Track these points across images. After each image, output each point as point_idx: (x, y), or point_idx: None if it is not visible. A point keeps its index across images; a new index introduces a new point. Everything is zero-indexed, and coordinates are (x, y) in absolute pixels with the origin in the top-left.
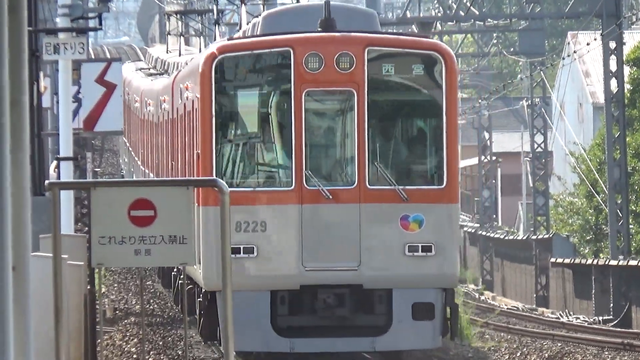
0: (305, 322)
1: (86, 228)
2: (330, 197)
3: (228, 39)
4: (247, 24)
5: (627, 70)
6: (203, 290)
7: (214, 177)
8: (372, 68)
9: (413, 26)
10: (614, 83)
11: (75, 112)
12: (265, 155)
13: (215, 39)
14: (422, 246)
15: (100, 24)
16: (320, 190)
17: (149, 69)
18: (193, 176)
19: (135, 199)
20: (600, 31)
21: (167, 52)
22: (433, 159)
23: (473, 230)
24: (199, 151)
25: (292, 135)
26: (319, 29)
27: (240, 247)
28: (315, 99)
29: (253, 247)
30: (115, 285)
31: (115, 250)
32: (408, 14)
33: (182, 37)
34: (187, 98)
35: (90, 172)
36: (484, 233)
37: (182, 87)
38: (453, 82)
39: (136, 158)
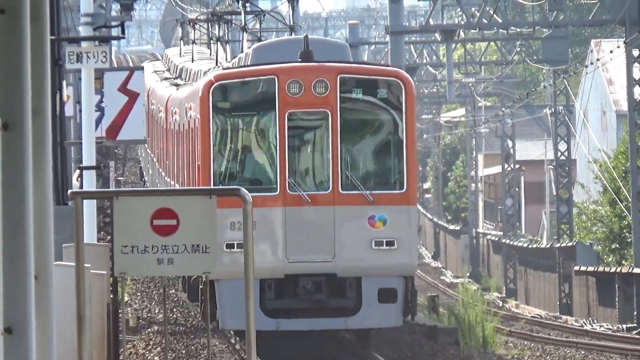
0: (288, 305)
1: (109, 237)
2: (309, 200)
3: (224, 68)
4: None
5: None
6: (203, 278)
7: (212, 184)
8: (343, 92)
9: (436, 34)
10: (637, 91)
11: (98, 121)
12: (255, 166)
13: (242, 48)
14: (386, 241)
15: (123, 32)
16: (301, 195)
17: (164, 71)
18: (196, 184)
19: (157, 208)
20: (624, 39)
21: (180, 56)
22: (395, 168)
23: (496, 239)
24: (200, 163)
25: (277, 149)
26: (299, 60)
27: (234, 243)
28: (296, 118)
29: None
30: (138, 294)
31: (138, 259)
32: (431, 22)
33: (194, 44)
34: (190, 116)
35: (113, 180)
36: (507, 241)
37: (187, 106)
38: (411, 103)
39: (156, 164)
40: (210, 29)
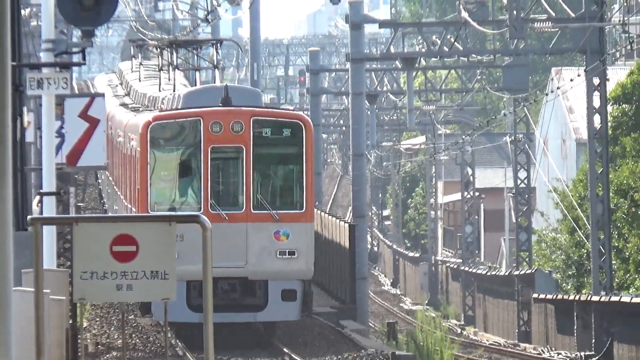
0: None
1: (68, 263)
2: (227, 218)
3: (160, 110)
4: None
5: (610, 107)
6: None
7: (149, 205)
8: (255, 131)
9: (397, 61)
10: (597, 119)
11: (59, 147)
12: (183, 190)
13: (195, 80)
14: (288, 251)
15: (84, 58)
16: (220, 213)
17: (117, 85)
18: (136, 204)
19: (117, 235)
20: (584, 67)
21: (132, 71)
22: (296, 192)
23: (455, 266)
24: (139, 187)
25: (202, 176)
26: (220, 104)
27: None
28: (217, 152)
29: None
30: (97, 319)
31: (97, 285)
32: (392, 49)
33: (141, 65)
34: (132, 146)
35: (73, 206)
36: (466, 269)
37: (130, 136)
38: (310, 140)
39: (114, 189)
40: (160, 55)
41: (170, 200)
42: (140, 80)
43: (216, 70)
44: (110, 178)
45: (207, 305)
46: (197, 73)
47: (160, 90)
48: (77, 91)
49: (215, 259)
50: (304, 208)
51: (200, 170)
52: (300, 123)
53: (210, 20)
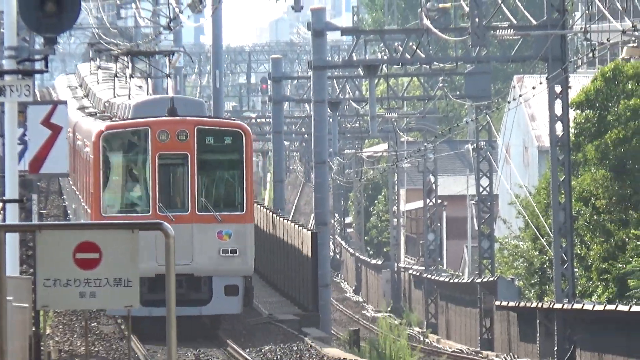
0: (158, 297)
1: (31, 270)
2: (174, 219)
3: (111, 120)
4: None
5: (572, 114)
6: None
7: (102, 208)
8: (199, 139)
9: (359, 69)
10: (559, 127)
11: (21, 155)
12: (134, 194)
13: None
14: (230, 250)
15: (47, 66)
16: (167, 215)
17: (76, 87)
18: (90, 207)
19: (80, 242)
20: (546, 75)
21: (90, 74)
22: (237, 195)
23: (418, 273)
24: (92, 191)
25: (150, 181)
26: (167, 115)
27: None
28: (164, 158)
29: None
30: (60, 326)
31: (61, 292)
32: (354, 57)
33: (100, 68)
34: (87, 152)
35: (36, 214)
36: (428, 276)
37: (85, 142)
38: (250, 147)
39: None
40: (115, 62)
41: (121, 203)
42: (98, 83)
43: (168, 79)
44: (70, 179)
45: (170, 304)
46: (150, 80)
47: (115, 96)
48: (39, 98)
49: (163, 257)
50: (245, 210)
51: (148, 176)
52: (241, 132)
53: (172, 28)
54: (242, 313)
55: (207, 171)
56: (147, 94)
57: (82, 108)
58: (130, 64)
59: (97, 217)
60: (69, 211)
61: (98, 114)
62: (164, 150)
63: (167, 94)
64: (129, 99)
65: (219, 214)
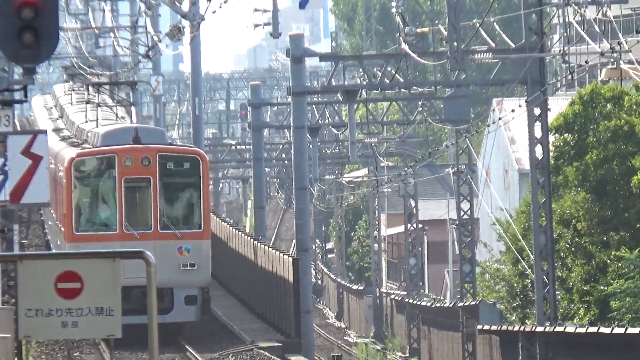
0: (125, 307)
1: (13, 300)
2: (138, 237)
3: (82, 147)
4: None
5: (551, 138)
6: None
7: (74, 227)
8: (161, 164)
9: (338, 94)
10: (539, 149)
11: (2, 185)
12: (102, 214)
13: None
14: (189, 264)
15: (26, 95)
16: (133, 233)
17: (52, 107)
18: (64, 225)
19: (62, 272)
20: (525, 98)
21: (65, 94)
22: (195, 214)
23: (400, 298)
24: (65, 212)
25: (117, 203)
26: (131, 142)
27: None
28: (130, 182)
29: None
30: (43, 356)
31: (43, 322)
32: (333, 82)
33: (73, 91)
34: (60, 177)
35: (17, 244)
36: (410, 301)
37: (59, 167)
38: (206, 171)
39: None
40: (87, 91)
41: (91, 223)
42: (72, 104)
43: (132, 107)
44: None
45: (152, 322)
46: (116, 108)
47: (86, 121)
48: (19, 128)
49: (129, 271)
50: (202, 227)
51: (115, 198)
52: (198, 157)
53: (151, 56)
54: (219, 341)
55: (168, 193)
56: (131, 120)
57: (57, 130)
58: (114, 92)
59: (70, 235)
60: (47, 230)
61: (71, 139)
62: (129, 175)
63: (132, 122)
64: (97, 126)
65: (179, 232)
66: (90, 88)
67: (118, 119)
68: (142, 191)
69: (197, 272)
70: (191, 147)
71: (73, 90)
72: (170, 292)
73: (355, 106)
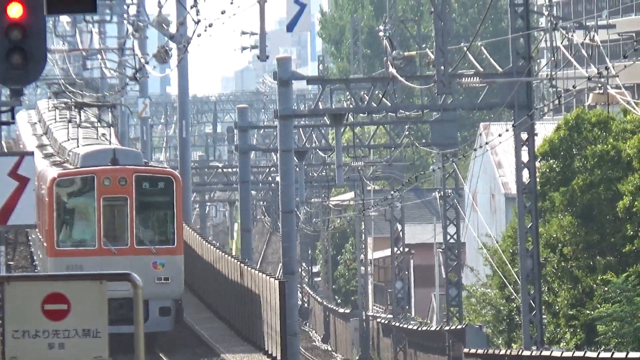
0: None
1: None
2: (116, 252)
3: (63, 168)
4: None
5: (538, 164)
6: None
7: (56, 242)
8: (137, 184)
9: (325, 117)
10: (526, 174)
11: None
12: (83, 230)
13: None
14: (163, 277)
15: (13, 117)
16: (110, 248)
17: (35, 123)
18: (46, 241)
19: (49, 293)
20: (512, 122)
21: (48, 110)
22: (169, 231)
23: (386, 322)
24: (47, 228)
25: (96, 220)
26: (110, 164)
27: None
28: (108, 200)
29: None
30: None
31: (29, 344)
32: (320, 105)
33: (57, 109)
34: (43, 194)
35: (4, 265)
36: (397, 324)
37: (42, 185)
38: (179, 191)
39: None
40: (69, 111)
41: (72, 239)
42: (55, 121)
43: (111, 128)
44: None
45: (139, 344)
46: (97, 128)
47: (68, 139)
48: (5, 150)
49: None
50: (175, 244)
51: (94, 215)
52: (172, 178)
53: (138, 79)
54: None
55: (143, 211)
56: (109, 141)
57: (40, 146)
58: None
59: (52, 249)
60: (30, 242)
61: (54, 157)
62: (108, 194)
63: (110, 143)
64: (78, 146)
65: (154, 247)
66: (73, 107)
67: (99, 138)
68: (119, 209)
69: (171, 285)
70: (165, 168)
71: (56, 108)
72: (146, 304)
73: (342, 129)
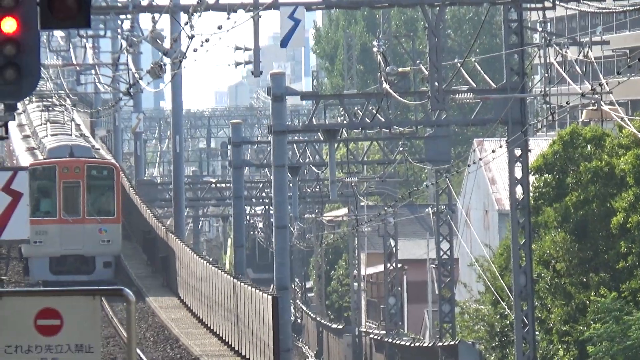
0: (63, 268)
1: None
2: (72, 221)
3: (35, 158)
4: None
5: (532, 178)
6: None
7: (31, 215)
8: (87, 171)
9: (319, 133)
10: (519, 190)
11: None
12: (48, 206)
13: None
14: (106, 240)
15: (7, 132)
16: (68, 219)
17: (24, 125)
18: None
19: (41, 308)
20: (506, 138)
21: (32, 112)
22: (111, 205)
23: (379, 337)
24: None
25: (57, 198)
26: (67, 156)
27: (37, 240)
28: (66, 184)
29: (41, 240)
30: None
31: (22, 359)
32: (314, 121)
33: (41, 112)
34: None
35: None
36: (390, 340)
37: None
38: (119, 177)
39: None
40: (47, 111)
41: (40, 212)
42: (41, 120)
43: (72, 123)
44: None
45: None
46: (71, 126)
47: (47, 135)
48: None
49: (66, 244)
50: (115, 215)
51: (57, 194)
52: (113, 167)
53: (132, 94)
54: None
55: (92, 191)
56: (73, 134)
57: (25, 137)
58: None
59: None
60: None
61: (34, 149)
62: (66, 179)
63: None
64: (46, 139)
65: (100, 218)
66: (51, 112)
67: (72, 135)
68: (74, 190)
69: (112, 245)
70: (108, 159)
71: (42, 111)
72: (93, 260)
73: (336, 145)
